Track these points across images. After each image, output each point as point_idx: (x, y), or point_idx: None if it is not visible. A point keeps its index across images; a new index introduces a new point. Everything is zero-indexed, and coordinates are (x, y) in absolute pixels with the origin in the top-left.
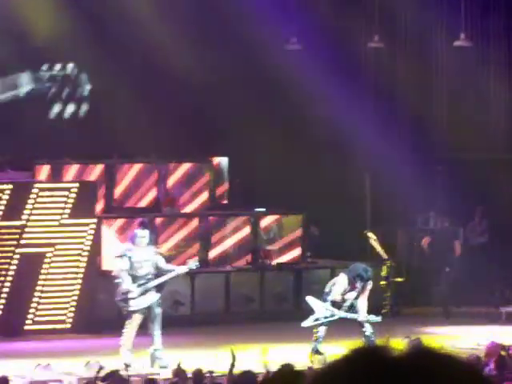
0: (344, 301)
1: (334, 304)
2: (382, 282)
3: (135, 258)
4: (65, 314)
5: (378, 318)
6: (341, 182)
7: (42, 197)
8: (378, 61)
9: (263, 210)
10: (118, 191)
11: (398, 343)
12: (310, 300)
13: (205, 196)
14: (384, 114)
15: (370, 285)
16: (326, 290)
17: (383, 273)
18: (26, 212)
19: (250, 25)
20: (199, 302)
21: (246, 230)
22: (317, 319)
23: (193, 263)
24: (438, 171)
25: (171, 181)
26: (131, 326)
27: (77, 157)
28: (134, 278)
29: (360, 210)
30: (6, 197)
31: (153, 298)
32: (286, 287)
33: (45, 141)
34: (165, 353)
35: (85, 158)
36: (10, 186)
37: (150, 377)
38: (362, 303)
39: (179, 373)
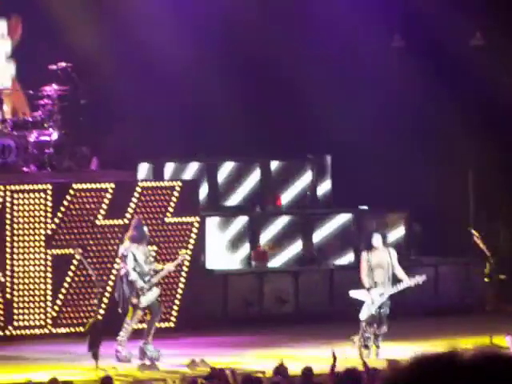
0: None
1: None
2: (486, 280)
3: (139, 256)
4: (169, 313)
5: (424, 277)
6: (444, 179)
7: (145, 196)
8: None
9: (366, 207)
10: (219, 189)
11: (501, 340)
12: (354, 294)
13: (307, 193)
14: (486, 111)
15: (394, 251)
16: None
17: (486, 270)
18: (129, 211)
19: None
20: (303, 299)
21: (349, 227)
22: (369, 305)
23: (179, 259)
24: None
25: (272, 178)
26: (133, 322)
27: (176, 155)
28: (139, 275)
29: (463, 206)
30: (109, 196)
31: (157, 292)
32: None
33: (146, 139)
34: (152, 346)
35: (184, 155)
36: (113, 185)
37: (253, 375)
38: (399, 270)
39: (281, 371)
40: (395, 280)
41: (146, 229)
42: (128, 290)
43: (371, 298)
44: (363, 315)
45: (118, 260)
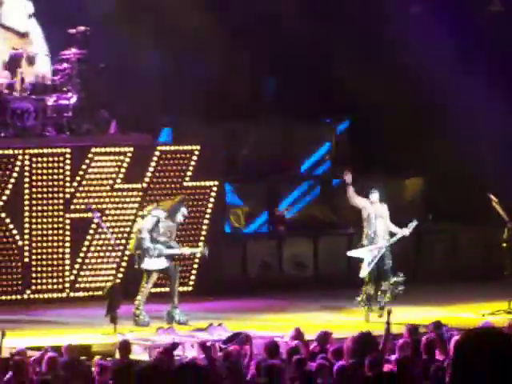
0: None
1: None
2: (504, 245)
3: (163, 225)
4: (187, 277)
5: (415, 222)
6: (462, 145)
7: (163, 159)
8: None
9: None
10: (241, 153)
11: None
12: (352, 253)
13: (328, 159)
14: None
15: (382, 206)
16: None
17: (505, 235)
18: (147, 175)
19: None
20: (322, 264)
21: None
22: (369, 262)
23: (202, 250)
24: None
25: (293, 143)
26: (148, 285)
27: (199, 118)
28: (154, 241)
29: (482, 171)
30: (128, 160)
31: (163, 263)
32: (407, 249)
33: (167, 102)
34: (180, 310)
35: (207, 119)
36: (131, 149)
37: (273, 339)
38: (391, 225)
39: (299, 336)
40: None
41: (185, 210)
42: (136, 245)
43: (371, 255)
44: (363, 272)
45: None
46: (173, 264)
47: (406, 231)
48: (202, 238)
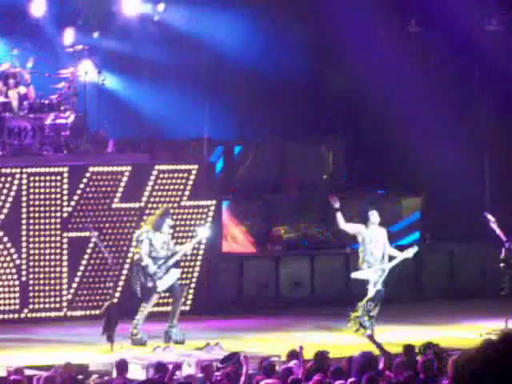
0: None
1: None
2: (502, 265)
3: (155, 241)
4: (185, 296)
5: (415, 247)
6: (460, 162)
7: (161, 179)
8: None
9: (382, 191)
10: (239, 172)
11: None
12: (356, 275)
13: (324, 176)
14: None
15: (380, 229)
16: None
17: (502, 255)
18: (145, 194)
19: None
20: (318, 283)
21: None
22: (375, 283)
23: (196, 238)
24: None
25: (289, 161)
26: (149, 306)
27: (196, 138)
28: (154, 260)
29: (479, 190)
30: (126, 179)
31: (176, 274)
32: (405, 270)
33: (163, 122)
34: (179, 329)
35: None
36: (129, 168)
37: (269, 359)
38: (391, 249)
39: (296, 355)
40: (390, 258)
41: (170, 221)
42: (143, 275)
43: (375, 275)
44: (371, 292)
45: (133, 244)
46: (178, 284)
47: (408, 254)
48: (200, 258)
